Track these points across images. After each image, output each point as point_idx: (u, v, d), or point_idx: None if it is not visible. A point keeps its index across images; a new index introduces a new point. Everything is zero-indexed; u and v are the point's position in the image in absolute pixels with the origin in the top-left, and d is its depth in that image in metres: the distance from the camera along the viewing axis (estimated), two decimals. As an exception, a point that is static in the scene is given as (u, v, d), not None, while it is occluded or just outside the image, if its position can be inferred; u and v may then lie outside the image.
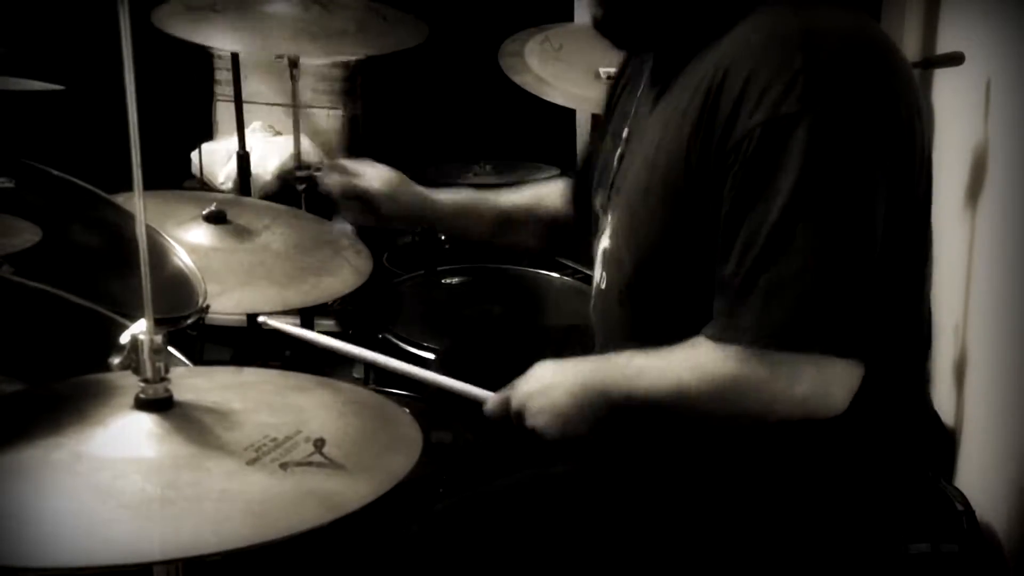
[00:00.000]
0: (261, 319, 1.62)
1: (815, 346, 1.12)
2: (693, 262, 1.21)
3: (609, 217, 1.37)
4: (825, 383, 1.13)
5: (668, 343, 1.23)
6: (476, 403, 1.40)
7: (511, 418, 1.32)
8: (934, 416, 1.38)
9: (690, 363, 1.18)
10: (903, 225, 1.17)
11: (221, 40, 2.23)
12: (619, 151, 1.39)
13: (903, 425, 1.29)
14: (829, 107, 1.10)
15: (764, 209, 1.11)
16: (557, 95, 2.31)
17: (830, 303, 1.11)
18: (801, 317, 1.11)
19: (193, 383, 1.12)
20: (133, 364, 1.04)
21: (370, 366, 1.56)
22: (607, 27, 1.32)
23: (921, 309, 1.30)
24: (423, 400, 1.86)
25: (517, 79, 2.31)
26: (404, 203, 1.69)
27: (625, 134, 1.39)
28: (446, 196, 1.72)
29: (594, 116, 3.44)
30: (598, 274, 1.40)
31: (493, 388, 1.39)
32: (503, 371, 1.56)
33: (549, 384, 1.29)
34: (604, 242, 1.38)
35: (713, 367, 1.16)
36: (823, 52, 1.12)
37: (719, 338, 1.15)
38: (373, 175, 1.70)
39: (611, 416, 1.26)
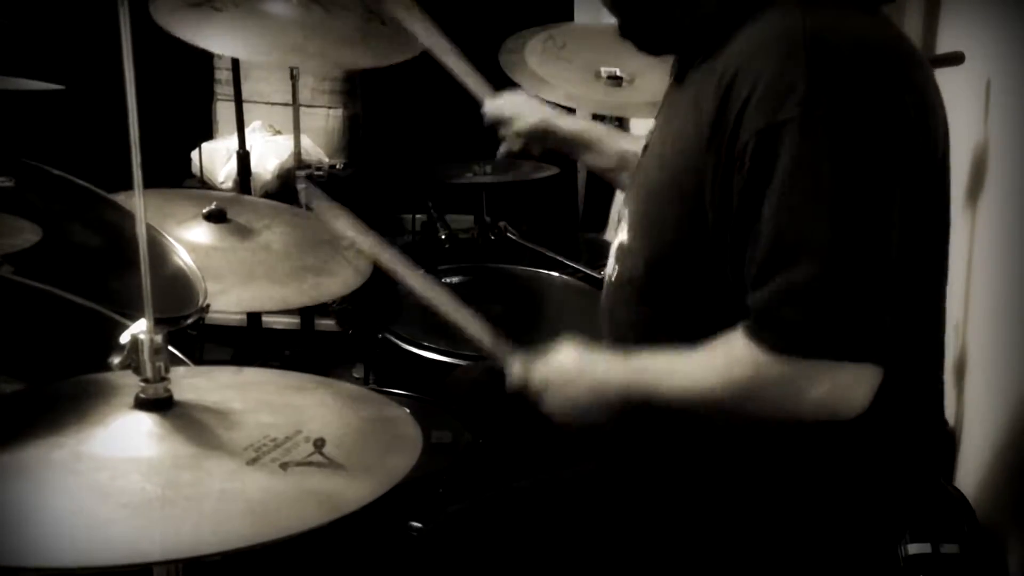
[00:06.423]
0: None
1: (829, 352, 1.11)
2: (703, 260, 1.21)
3: (627, 212, 1.38)
4: (842, 388, 1.12)
5: (675, 339, 1.23)
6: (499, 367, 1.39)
7: (528, 395, 1.33)
8: (943, 424, 1.37)
9: (713, 366, 1.18)
10: (919, 229, 1.17)
11: (220, 43, 2.22)
12: (645, 148, 1.40)
13: (912, 430, 1.29)
14: (830, 110, 1.09)
15: (771, 214, 1.11)
16: (557, 94, 2.31)
17: (843, 309, 1.10)
18: (812, 324, 1.11)
19: (193, 383, 1.12)
20: (133, 364, 1.04)
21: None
22: (628, 33, 1.35)
23: (939, 315, 1.30)
24: (424, 399, 1.87)
25: (516, 77, 2.31)
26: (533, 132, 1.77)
27: (651, 134, 1.40)
28: (569, 124, 1.77)
29: (594, 116, 3.45)
30: (611, 267, 1.40)
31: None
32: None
33: (571, 376, 1.30)
34: (621, 236, 1.38)
35: (734, 371, 1.16)
36: (827, 54, 1.12)
37: (750, 335, 1.15)
38: (521, 113, 1.78)
39: (629, 413, 1.27)
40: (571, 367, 1.30)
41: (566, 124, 1.76)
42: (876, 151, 1.11)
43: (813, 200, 1.10)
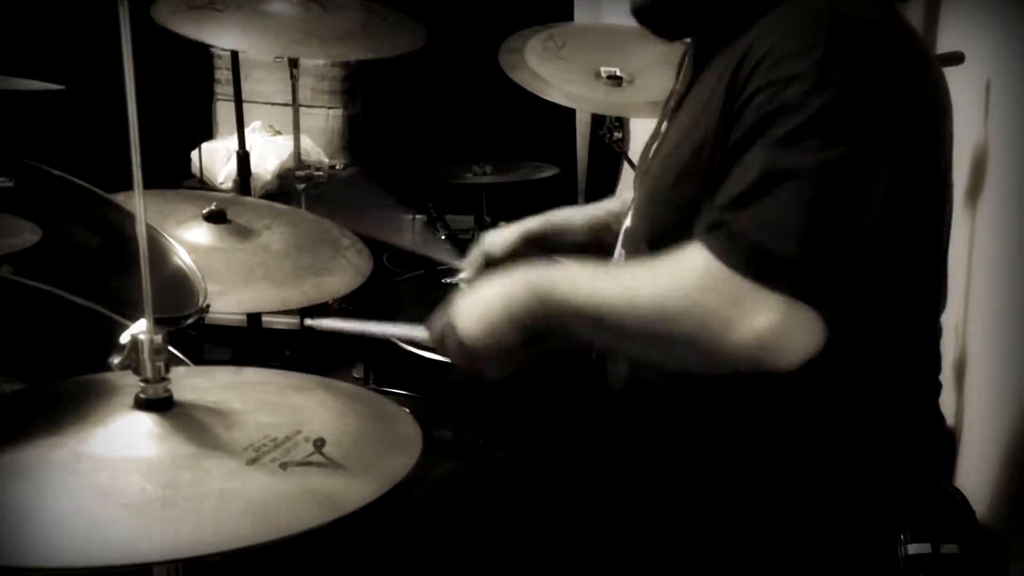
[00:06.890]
0: (308, 322, 1.56)
1: (787, 285, 1.08)
2: None
3: (635, 197, 1.38)
4: (785, 326, 1.08)
5: None
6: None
7: (446, 338, 1.25)
8: (940, 421, 1.38)
9: (650, 275, 1.14)
10: (915, 217, 1.17)
11: (221, 38, 2.23)
12: (656, 141, 1.40)
13: (910, 429, 1.29)
14: (845, 75, 1.10)
15: (763, 149, 1.11)
16: (556, 94, 2.31)
17: (807, 248, 1.08)
18: (780, 252, 1.08)
19: (193, 383, 1.12)
20: (133, 364, 1.04)
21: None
22: (648, 15, 1.33)
23: (935, 320, 1.30)
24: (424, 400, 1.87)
25: (516, 77, 2.31)
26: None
27: (663, 127, 1.40)
28: (536, 223, 1.67)
29: (593, 116, 3.45)
30: (617, 252, 1.40)
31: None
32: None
33: (479, 293, 1.23)
34: (627, 221, 1.38)
35: (682, 277, 1.11)
36: (847, 33, 1.13)
37: (709, 245, 1.11)
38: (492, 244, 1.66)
39: (545, 324, 1.19)
40: (481, 288, 1.24)
41: (534, 223, 1.66)
42: (878, 124, 1.12)
43: (811, 146, 1.09)
